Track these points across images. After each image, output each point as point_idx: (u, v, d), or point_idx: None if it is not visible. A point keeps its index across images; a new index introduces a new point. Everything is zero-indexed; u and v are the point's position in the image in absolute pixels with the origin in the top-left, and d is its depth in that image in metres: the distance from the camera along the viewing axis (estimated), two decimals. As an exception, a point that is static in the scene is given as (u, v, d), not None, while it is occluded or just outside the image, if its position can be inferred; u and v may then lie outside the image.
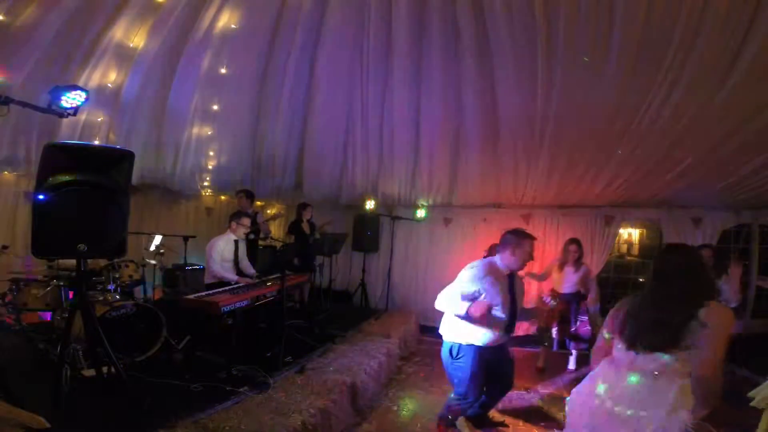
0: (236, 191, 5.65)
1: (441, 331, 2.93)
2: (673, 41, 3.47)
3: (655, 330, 1.69)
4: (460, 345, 2.78)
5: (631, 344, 1.76)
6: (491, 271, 2.69)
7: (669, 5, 3.34)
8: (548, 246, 5.88)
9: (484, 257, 3.84)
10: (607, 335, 1.95)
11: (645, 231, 6.94)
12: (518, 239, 2.71)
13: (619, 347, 1.85)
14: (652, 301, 1.77)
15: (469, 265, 2.80)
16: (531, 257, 2.75)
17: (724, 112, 3.82)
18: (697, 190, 4.93)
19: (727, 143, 4.13)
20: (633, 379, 1.73)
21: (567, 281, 4.46)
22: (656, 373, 1.69)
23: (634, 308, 1.82)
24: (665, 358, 1.68)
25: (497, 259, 2.80)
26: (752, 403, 2.07)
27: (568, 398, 2.04)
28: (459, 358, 2.79)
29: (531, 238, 2.75)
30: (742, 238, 5.57)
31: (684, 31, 3.39)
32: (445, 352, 2.90)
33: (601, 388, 1.83)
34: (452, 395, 2.95)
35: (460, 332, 2.76)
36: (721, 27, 3.30)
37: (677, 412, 1.64)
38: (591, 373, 1.99)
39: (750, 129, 3.89)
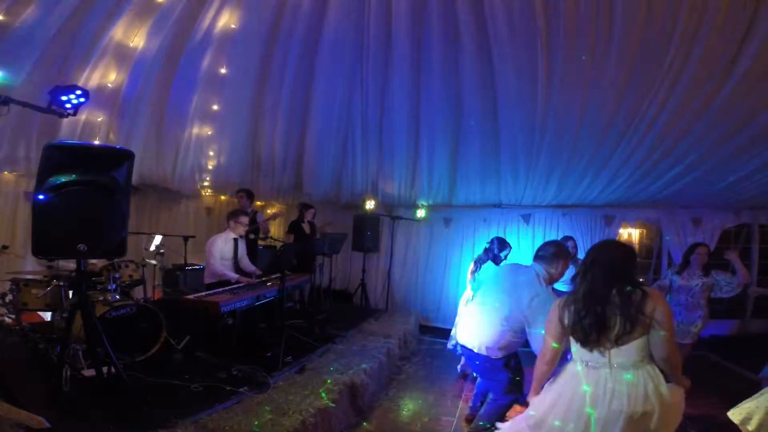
0: (236, 190, 5.66)
1: (479, 343, 2.71)
2: (673, 41, 3.47)
3: (608, 325, 1.76)
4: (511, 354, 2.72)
5: (592, 343, 1.80)
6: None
7: (669, 5, 3.34)
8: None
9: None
10: (555, 345, 1.95)
11: (645, 231, 6.94)
12: (565, 253, 2.71)
13: (579, 350, 1.86)
14: (591, 300, 1.81)
15: (524, 269, 2.71)
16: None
17: (724, 112, 3.82)
18: (697, 190, 4.93)
19: (727, 143, 4.13)
20: (628, 376, 1.75)
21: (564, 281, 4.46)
22: (633, 365, 1.75)
23: (578, 309, 1.84)
24: (632, 348, 1.75)
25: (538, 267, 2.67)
26: (748, 427, 2.08)
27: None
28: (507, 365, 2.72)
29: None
30: (742, 238, 5.57)
31: (684, 31, 3.39)
32: (490, 363, 2.72)
33: (587, 389, 1.82)
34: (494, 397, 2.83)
35: (510, 343, 2.65)
36: (721, 27, 3.30)
37: (671, 389, 1.76)
38: (553, 382, 1.97)
39: (750, 129, 3.89)
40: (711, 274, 3.80)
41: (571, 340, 1.90)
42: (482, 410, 2.87)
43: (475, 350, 2.72)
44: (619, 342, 1.75)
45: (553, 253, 2.64)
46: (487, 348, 2.65)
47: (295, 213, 6.22)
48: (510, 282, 2.67)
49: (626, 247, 1.98)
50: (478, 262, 3.88)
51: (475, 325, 2.78)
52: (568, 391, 1.86)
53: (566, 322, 1.88)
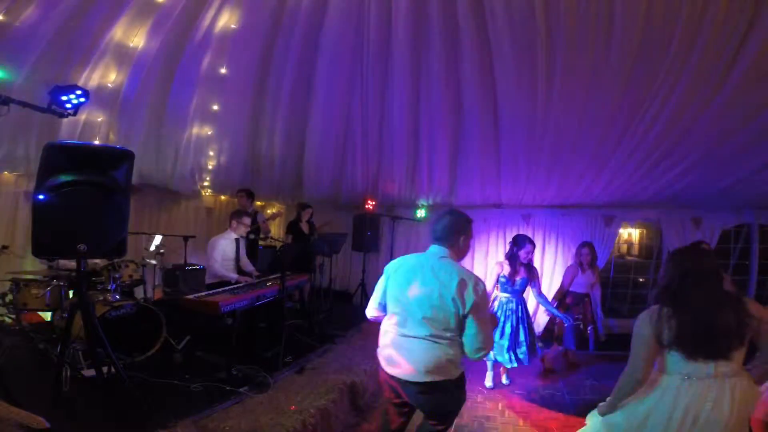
0: (237, 190, 5.67)
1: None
2: (672, 41, 3.47)
3: (721, 335, 1.69)
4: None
5: (700, 354, 1.71)
6: None
7: (669, 5, 3.34)
8: (548, 246, 5.89)
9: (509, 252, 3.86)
10: (646, 365, 1.83)
11: (645, 231, 6.94)
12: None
13: (678, 363, 1.77)
14: (704, 306, 1.73)
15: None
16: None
17: (723, 112, 3.82)
18: (697, 190, 4.93)
19: (727, 143, 4.13)
20: (731, 385, 1.71)
21: (578, 283, 4.52)
22: (737, 374, 1.72)
23: (683, 316, 1.74)
24: (736, 356, 1.72)
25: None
26: None
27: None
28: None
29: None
30: (742, 238, 5.57)
31: (684, 31, 3.39)
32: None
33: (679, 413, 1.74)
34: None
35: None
36: (721, 27, 3.30)
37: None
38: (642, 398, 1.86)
39: (750, 129, 3.90)
40: None
41: (667, 352, 1.79)
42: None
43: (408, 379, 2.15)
44: (731, 350, 1.70)
45: (452, 225, 2.15)
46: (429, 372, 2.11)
47: (294, 213, 6.23)
48: (428, 276, 2.13)
49: (712, 253, 1.99)
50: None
51: (405, 348, 2.28)
52: (663, 406, 1.77)
53: (665, 337, 1.76)
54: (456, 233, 2.12)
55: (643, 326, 1.82)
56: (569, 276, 4.57)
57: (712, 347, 1.70)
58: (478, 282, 1.99)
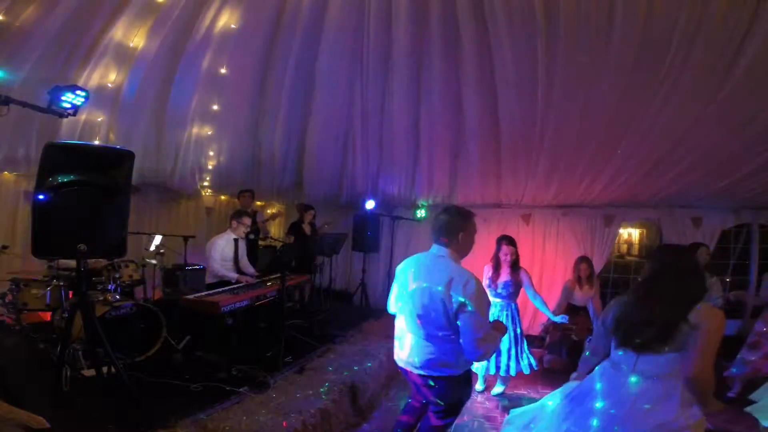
0: (240, 190, 5.67)
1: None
2: (673, 41, 3.47)
3: (642, 329, 1.73)
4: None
5: (623, 343, 1.82)
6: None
7: (669, 5, 3.34)
8: (548, 246, 5.89)
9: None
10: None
11: (645, 231, 6.95)
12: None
13: (615, 348, 1.89)
14: (641, 300, 1.82)
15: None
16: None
17: (724, 113, 3.81)
18: (697, 190, 4.93)
19: (727, 143, 4.13)
20: (633, 380, 1.76)
21: (579, 298, 4.48)
22: (657, 376, 1.71)
23: (624, 307, 1.86)
24: (662, 359, 1.69)
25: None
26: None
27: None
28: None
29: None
30: (742, 238, 5.57)
31: (684, 31, 3.39)
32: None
33: (598, 386, 1.87)
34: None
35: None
36: (721, 27, 3.30)
37: (687, 409, 1.64)
38: (593, 373, 2.01)
39: (750, 129, 3.89)
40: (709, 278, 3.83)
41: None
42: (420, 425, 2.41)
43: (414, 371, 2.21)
44: (642, 348, 1.76)
45: (448, 224, 2.11)
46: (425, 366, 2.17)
47: (295, 213, 6.23)
48: (422, 275, 2.15)
49: (686, 257, 1.90)
50: None
51: (408, 343, 2.30)
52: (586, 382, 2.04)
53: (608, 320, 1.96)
54: (453, 231, 2.09)
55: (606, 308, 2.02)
56: (564, 295, 4.51)
57: (631, 337, 1.77)
58: (468, 281, 1.93)
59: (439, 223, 2.13)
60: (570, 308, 4.52)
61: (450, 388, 2.13)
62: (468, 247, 2.17)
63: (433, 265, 2.08)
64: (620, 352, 1.84)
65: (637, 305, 1.81)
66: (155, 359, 3.44)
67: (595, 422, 1.78)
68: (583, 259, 4.50)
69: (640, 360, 1.75)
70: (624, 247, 7.29)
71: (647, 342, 1.71)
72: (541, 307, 3.93)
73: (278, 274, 3.93)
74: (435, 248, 2.15)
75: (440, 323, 2.01)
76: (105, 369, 2.63)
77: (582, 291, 4.45)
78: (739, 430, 2.01)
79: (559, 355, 4.44)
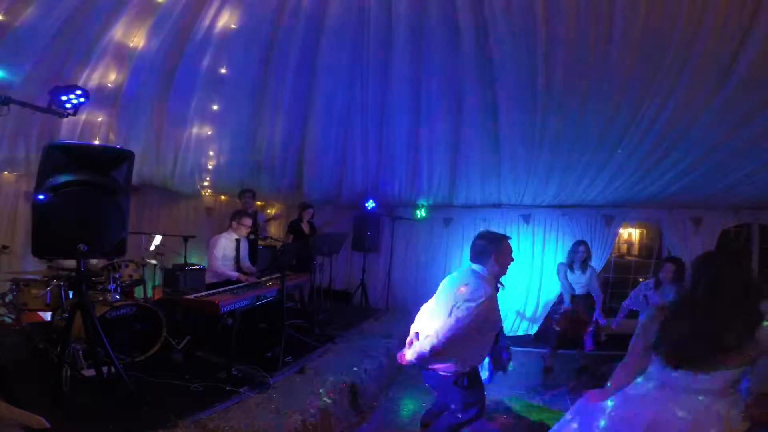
0: (242, 191, 5.67)
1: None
2: (672, 41, 3.47)
3: (712, 347, 1.57)
4: None
5: (677, 362, 1.62)
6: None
7: (669, 5, 3.34)
8: (548, 246, 5.89)
9: None
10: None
11: (645, 231, 6.95)
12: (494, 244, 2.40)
13: (658, 365, 1.69)
14: (708, 315, 1.60)
15: (465, 272, 2.48)
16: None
17: (723, 112, 3.81)
18: (697, 190, 4.93)
19: (727, 143, 4.13)
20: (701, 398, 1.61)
21: (576, 283, 4.49)
22: (719, 392, 1.59)
23: (679, 321, 1.65)
24: (728, 374, 1.57)
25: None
26: None
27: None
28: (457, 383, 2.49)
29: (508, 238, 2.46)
30: (742, 238, 5.57)
31: (684, 31, 3.39)
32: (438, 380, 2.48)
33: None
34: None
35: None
36: (721, 26, 3.30)
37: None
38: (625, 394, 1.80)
39: (750, 129, 3.89)
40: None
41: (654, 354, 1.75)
42: (437, 422, 2.63)
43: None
44: (712, 364, 1.59)
45: (481, 249, 2.39)
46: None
47: (295, 213, 6.23)
48: (450, 283, 2.45)
49: (749, 269, 1.83)
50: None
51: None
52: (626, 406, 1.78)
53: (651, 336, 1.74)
54: (487, 254, 2.37)
55: (644, 319, 1.84)
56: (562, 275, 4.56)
57: (692, 356, 1.59)
58: (471, 297, 2.20)
59: (475, 248, 2.43)
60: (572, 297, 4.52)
61: (444, 386, 2.45)
62: (500, 269, 2.40)
63: (459, 274, 2.46)
64: (673, 373, 1.65)
65: (703, 320, 1.60)
66: (155, 359, 3.44)
67: None
68: (581, 242, 4.53)
69: (697, 379, 1.61)
70: (624, 247, 7.28)
71: (716, 362, 1.56)
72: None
73: (278, 274, 3.93)
74: (473, 265, 2.44)
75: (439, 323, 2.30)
76: (105, 369, 2.63)
77: (574, 275, 4.45)
78: None
79: (548, 347, 4.51)
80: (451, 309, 2.25)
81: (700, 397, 1.60)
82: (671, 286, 3.88)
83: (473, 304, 2.16)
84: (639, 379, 1.79)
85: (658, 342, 1.68)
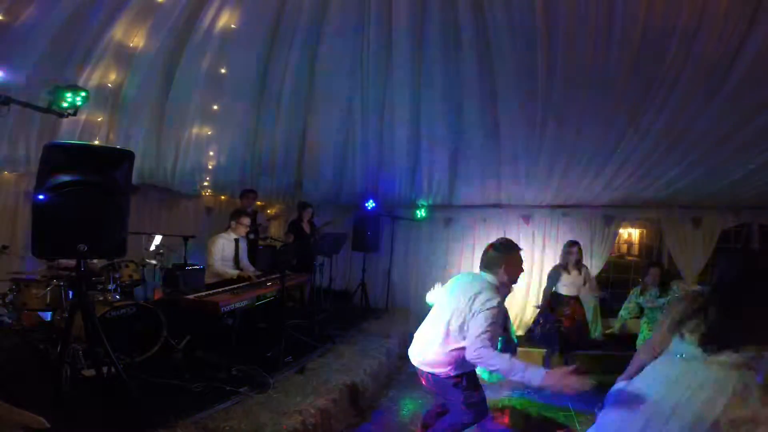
0: (243, 190, 5.66)
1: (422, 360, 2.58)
2: (672, 41, 3.47)
3: (740, 335, 1.64)
4: None
5: (707, 343, 1.68)
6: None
7: (669, 5, 3.34)
8: (548, 246, 5.89)
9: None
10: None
11: (645, 231, 6.95)
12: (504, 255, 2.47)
13: (682, 343, 1.76)
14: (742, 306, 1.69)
15: (477, 277, 2.55)
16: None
17: (723, 112, 3.82)
18: (697, 190, 4.93)
19: (727, 143, 4.13)
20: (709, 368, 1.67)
21: (568, 284, 4.48)
22: (730, 364, 1.64)
23: (718, 309, 1.72)
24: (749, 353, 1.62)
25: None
26: None
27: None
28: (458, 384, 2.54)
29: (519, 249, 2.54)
30: (742, 238, 5.57)
31: (684, 30, 3.39)
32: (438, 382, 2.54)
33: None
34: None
35: (457, 359, 2.43)
36: (721, 27, 3.30)
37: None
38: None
39: (749, 129, 3.90)
40: (672, 289, 4.04)
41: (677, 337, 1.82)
42: (438, 423, 2.63)
43: (422, 368, 2.53)
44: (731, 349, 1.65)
45: (491, 258, 2.47)
46: (431, 364, 2.47)
47: (295, 213, 6.23)
48: (459, 288, 2.50)
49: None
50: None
51: (420, 340, 2.60)
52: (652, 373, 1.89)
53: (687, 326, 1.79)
54: (497, 263, 2.45)
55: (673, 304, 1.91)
56: (549, 283, 4.57)
57: (725, 342, 1.65)
58: (484, 303, 2.24)
59: (486, 257, 2.51)
60: (555, 297, 4.51)
61: (443, 386, 2.52)
62: (509, 278, 2.48)
63: (471, 280, 2.51)
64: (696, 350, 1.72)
65: (738, 311, 1.68)
66: (155, 359, 3.44)
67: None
68: (574, 243, 4.52)
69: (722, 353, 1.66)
70: (624, 247, 7.29)
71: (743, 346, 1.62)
72: None
73: (278, 274, 3.93)
74: (482, 273, 2.51)
75: (446, 327, 2.39)
76: (105, 369, 2.63)
77: (570, 276, 4.43)
78: None
79: (553, 349, 4.48)
80: (465, 317, 2.29)
81: (715, 367, 1.66)
82: (656, 289, 4.11)
83: (489, 312, 2.22)
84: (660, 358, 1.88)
85: (691, 326, 1.75)
